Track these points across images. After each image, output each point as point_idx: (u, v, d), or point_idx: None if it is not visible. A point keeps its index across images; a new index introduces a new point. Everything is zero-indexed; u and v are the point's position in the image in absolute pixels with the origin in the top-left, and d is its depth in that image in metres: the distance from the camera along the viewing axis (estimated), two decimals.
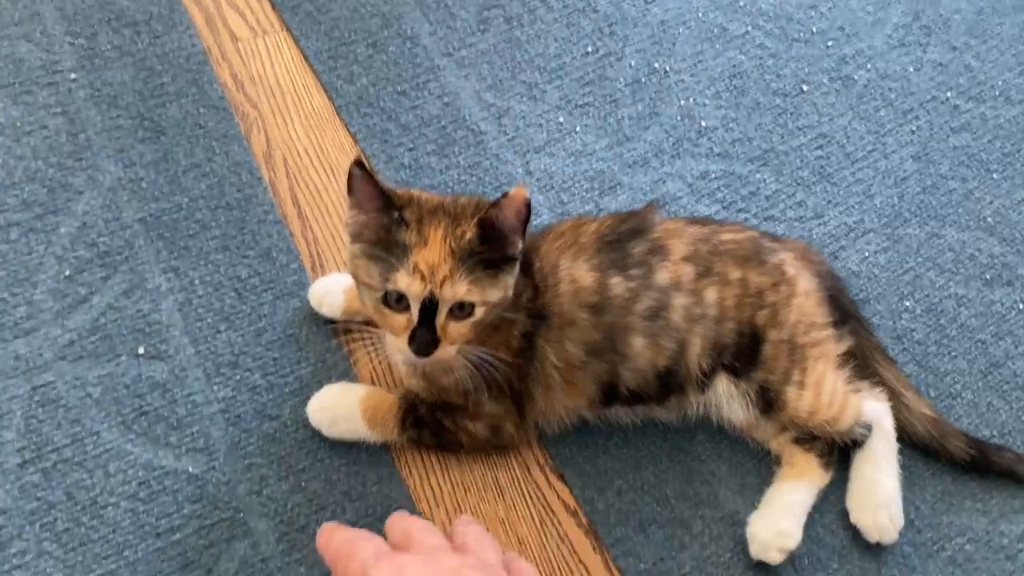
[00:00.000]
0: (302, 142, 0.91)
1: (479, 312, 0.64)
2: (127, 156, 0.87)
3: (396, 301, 0.64)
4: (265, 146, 0.90)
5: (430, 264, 0.62)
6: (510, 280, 0.66)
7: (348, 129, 0.92)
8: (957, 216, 0.94)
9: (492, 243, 0.63)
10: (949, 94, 1.03)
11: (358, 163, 0.61)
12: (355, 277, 0.67)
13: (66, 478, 0.71)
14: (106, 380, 0.75)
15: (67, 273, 0.80)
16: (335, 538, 0.57)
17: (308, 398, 0.76)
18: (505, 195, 0.61)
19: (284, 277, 0.82)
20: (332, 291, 0.79)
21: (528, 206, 0.62)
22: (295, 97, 0.94)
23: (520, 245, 0.64)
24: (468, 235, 0.63)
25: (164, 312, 0.79)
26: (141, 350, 0.77)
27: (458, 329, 0.65)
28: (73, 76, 0.91)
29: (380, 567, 0.53)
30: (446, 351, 0.65)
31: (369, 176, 0.62)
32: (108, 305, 0.79)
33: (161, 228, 0.83)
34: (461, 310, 0.64)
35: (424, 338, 0.64)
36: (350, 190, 0.63)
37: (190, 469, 0.72)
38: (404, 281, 0.62)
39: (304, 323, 0.80)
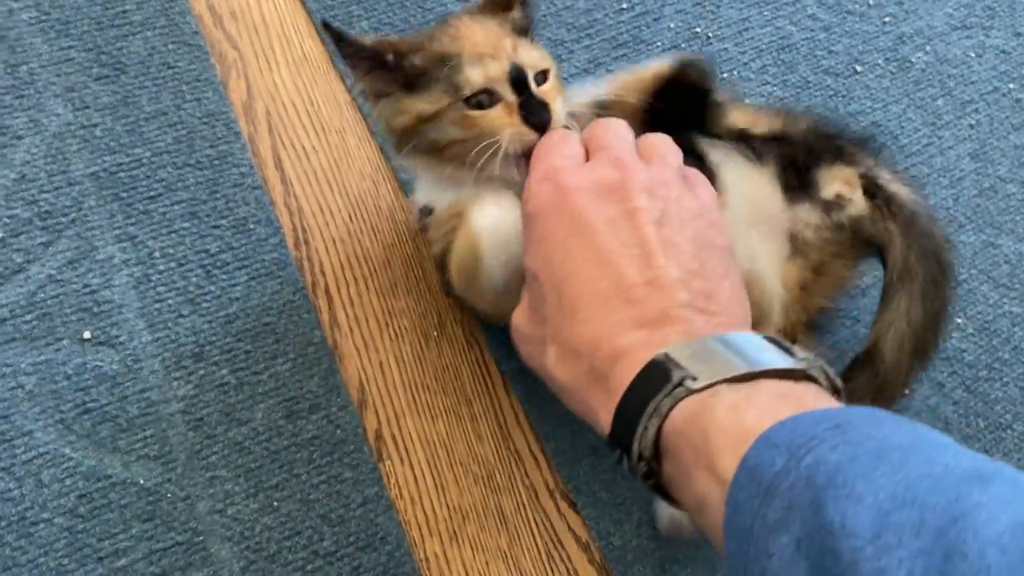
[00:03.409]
0: (289, 93, 0.77)
1: (552, 79, 0.60)
2: (79, 97, 0.73)
3: (477, 105, 0.58)
4: (245, 95, 0.76)
5: (487, 47, 0.58)
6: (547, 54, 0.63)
7: (343, 81, 0.79)
8: (1015, 224, 0.85)
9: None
10: (1012, 86, 0.93)
11: (325, 26, 0.60)
12: (406, 127, 0.60)
13: None
14: (43, 368, 0.63)
15: (0, 235, 0.67)
16: (539, 146, 0.55)
17: (283, 400, 0.65)
18: None
19: (261, 253, 0.70)
20: None
21: None
22: (283, 39, 0.80)
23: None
24: (513, 13, 0.62)
25: (116, 289, 0.67)
26: (87, 334, 0.65)
27: (551, 89, 0.59)
28: None
29: (540, 192, 0.51)
30: (558, 110, 0.58)
31: (352, 41, 0.60)
32: (49, 277, 0.66)
33: (117, 186, 0.70)
34: (540, 81, 0.59)
35: (535, 103, 0.57)
36: (342, 56, 0.61)
37: (141, 481, 0.61)
38: (476, 72, 0.57)
39: (283, 310, 0.68)
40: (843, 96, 0.88)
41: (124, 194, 0.70)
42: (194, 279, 0.68)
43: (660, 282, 0.46)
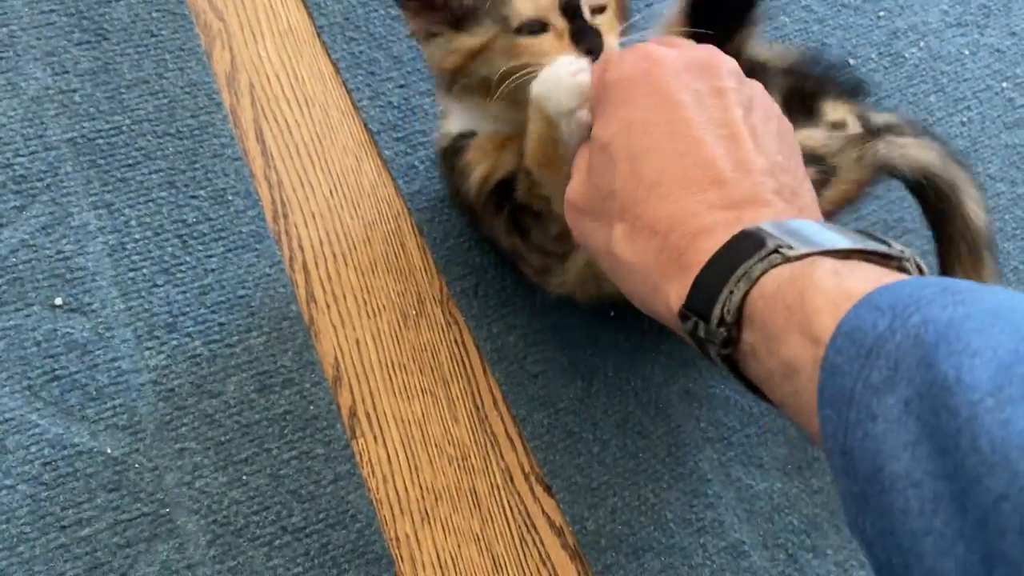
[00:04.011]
0: (273, 65, 0.76)
1: (609, 14, 0.59)
2: (58, 61, 0.72)
3: (529, 31, 0.56)
4: (229, 66, 0.75)
5: None
6: None
7: (329, 55, 0.78)
8: (1003, 223, 0.85)
9: None
10: (1005, 84, 0.93)
11: None
12: (457, 65, 0.60)
13: None
14: (12, 334, 0.62)
15: None
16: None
17: (256, 374, 0.64)
18: None
19: (239, 226, 0.69)
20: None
21: None
22: (269, 10, 0.79)
23: None
24: None
25: (90, 256, 0.65)
26: (58, 300, 0.64)
27: (606, 21, 0.58)
28: None
29: (623, 62, 0.47)
30: (611, 41, 0.57)
31: None
32: (21, 242, 0.65)
33: (94, 153, 0.69)
34: (595, 11, 0.58)
35: (588, 29, 0.56)
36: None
37: (108, 450, 0.60)
38: (525, 3, 0.56)
39: (259, 284, 0.67)
40: None
41: (102, 161, 0.69)
42: (170, 249, 0.67)
43: (748, 167, 0.44)
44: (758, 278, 0.38)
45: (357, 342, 0.68)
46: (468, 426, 0.67)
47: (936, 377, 0.29)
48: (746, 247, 0.39)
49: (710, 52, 0.48)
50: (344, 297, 0.69)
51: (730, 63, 0.48)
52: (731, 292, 0.39)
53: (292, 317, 0.67)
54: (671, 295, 0.42)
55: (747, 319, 0.39)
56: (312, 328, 0.67)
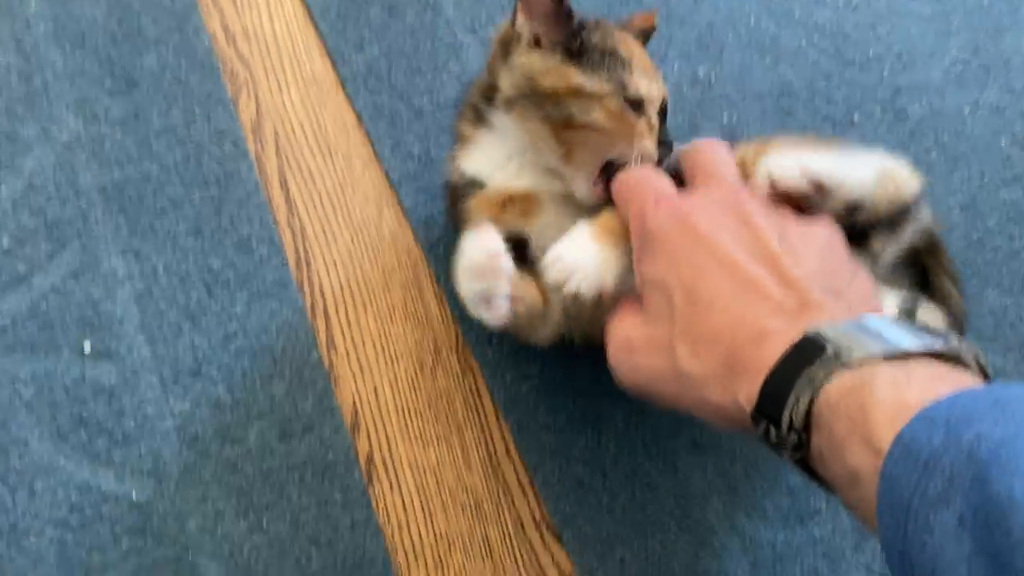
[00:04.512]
0: (298, 114, 0.78)
1: None
2: (90, 109, 0.74)
3: (634, 107, 0.61)
4: (255, 114, 0.77)
5: (651, 68, 0.64)
6: None
7: (352, 105, 0.80)
8: (1001, 277, 0.87)
9: None
10: (1003, 141, 0.95)
11: None
12: (551, 88, 0.62)
13: None
14: (42, 378, 0.64)
15: (5, 244, 0.67)
16: (631, 177, 0.57)
17: (277, 420, 0.66)
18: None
19: (263, 273, 0.71)
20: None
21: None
22: (294, 60, 0.81)
23: None
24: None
25: (119, 302, 0.67)
26: (87, 346, 0.66)
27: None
28: (33, 5, 0.77)
29: (658, 214, 0.52)
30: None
31: None
32: (52, 287, 0.67)
33: (123, 200, 0.71)
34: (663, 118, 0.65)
35: (664, 134, 0.63)
36: None
37: (133, 495, 0.62)
38: (645, 83, 0.62)
39: (281, 330, 0.69)
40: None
41: (130, 208, 0.71)
42: (195, 296, 0.69)
43: (790, 280, 0.47)
44: (821, 384, 0.41)
45: (375, 389, 0.69)
46: (481, 474, 0.68)
47: (990, 495, 0.32)
48: (808, 353, 0.42)
49: (727, 192, 0.53)
50: (363, 344, 0.71)
51: (751, 199, 0.52)
52: (797, 399, 0.42)
53: (313, 364, 0.69)
54: (741, 397, 0.45)
55: (815, 425, 0.42)
56: (332, 374, 0.69)
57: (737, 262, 0.49)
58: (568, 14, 0.62)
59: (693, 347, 0.48)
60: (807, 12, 0.97)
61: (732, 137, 0.86)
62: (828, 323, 0.44)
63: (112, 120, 0.74)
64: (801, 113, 0.91)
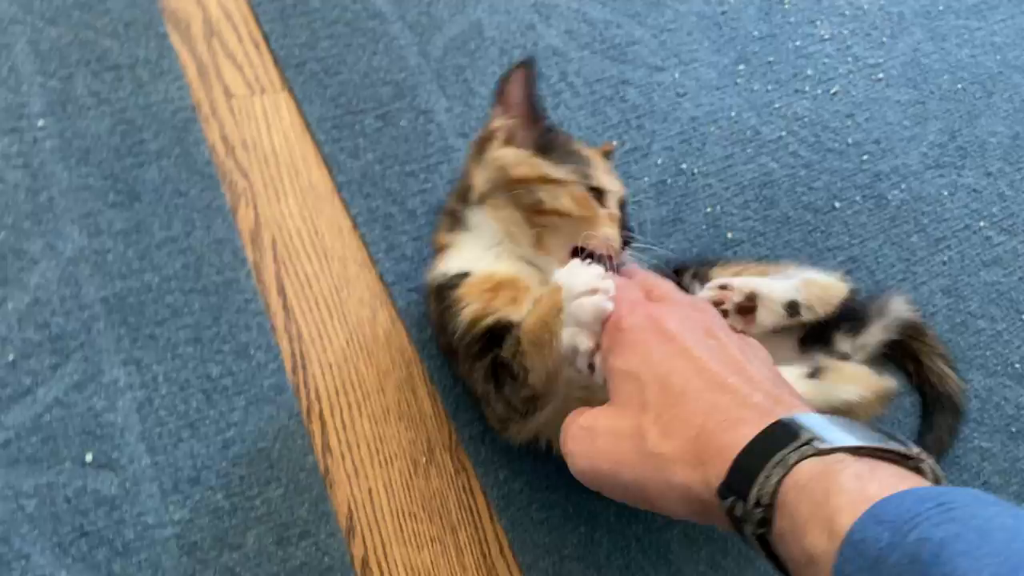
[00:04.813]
0: (295, 221, 0.81)
1: None
2: (94, 223, 0.77)
3: (596, 197, 0.69)
4: (253, 223, 0.80)
5: (609, 172, 0.73)
6: None
7: (347, 210, 0.83)
8: (984, 359, 0.89)
9: None
10: (982, 223, 0.98)
11: (525, 64, 0.71)
12: (523, 176, 0.69)
13: None
14: (44, 491, 0.65)
15: (10, 358, 0.70)
16: None
17: (274, 525, 0.67)
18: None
19: (260, 379, 0.73)
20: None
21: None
22: (291, 169, 0.84)
23: None
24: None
25: (120, 412, 0.69)
26: (89, 457, 0.67)
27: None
28: (41, 123, 0.81)
29: (633, 315, 0.57)
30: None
31: (532, 82, 0.71)
32: (56, 400, 0.69)
33: (125, 311, 0.73)
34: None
35: (629, 225, 0.71)
36: (502, 93, 0.71)
37: None
38: (607, 180, 0.71)
39: (278, 435, 0.71)
40: (822, 231, 0.92)
41: (132, 318, 0.73)
42: (195, 403, 0.71)
43: (757, 381, 0.52)
44: (792, 466, 0.44)
45: (370, 491, 0.71)
46: (475, 574, 0.69)
47: None
48: (782, 436, 0.45)
49: (690, 305, 0.60)
50: (358, 446, 0.72)
51: (712, 313, 0.60)
52: (767, 476, 0.44)
53: (309, 468, 0.70)
54: (711, 473, 0.47)
55: (780, 505, 0.44)
56: (327, 478, 0.70)
57: (706, 362, 0.53)
58: (540, 115, 0.72)
59: (665, 429, 0.51)
60: (786, 103, 1.01)
61: (716, 227, 0.89)
62: (804, 413, 0.47)
63: (115, 233, 0.76)
64: (783, 202, 0.93)
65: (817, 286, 0.75)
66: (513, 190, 0.69)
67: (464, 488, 0.72)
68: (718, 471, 0.47)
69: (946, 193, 0.99)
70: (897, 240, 0.94)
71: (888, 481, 0.41)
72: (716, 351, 0.54)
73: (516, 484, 0.73)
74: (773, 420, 0.46)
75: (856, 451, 0.43)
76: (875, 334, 0.78)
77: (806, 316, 0.72)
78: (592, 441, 0.55)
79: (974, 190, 1.00)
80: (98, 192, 0.78)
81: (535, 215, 0.68)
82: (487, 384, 0.67)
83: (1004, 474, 0.82)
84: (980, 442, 0.83)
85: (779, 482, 0.44)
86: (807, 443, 0.44)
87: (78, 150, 0.80)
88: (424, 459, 0.73)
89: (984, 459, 0.82)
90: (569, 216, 0.68)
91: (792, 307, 0.73)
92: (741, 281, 0.71)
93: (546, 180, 0.69)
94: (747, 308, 0.67)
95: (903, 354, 0.84)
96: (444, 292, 0.69)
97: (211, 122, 0.84)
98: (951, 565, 0.34)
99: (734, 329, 0.60)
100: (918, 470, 0.44)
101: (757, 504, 0.44)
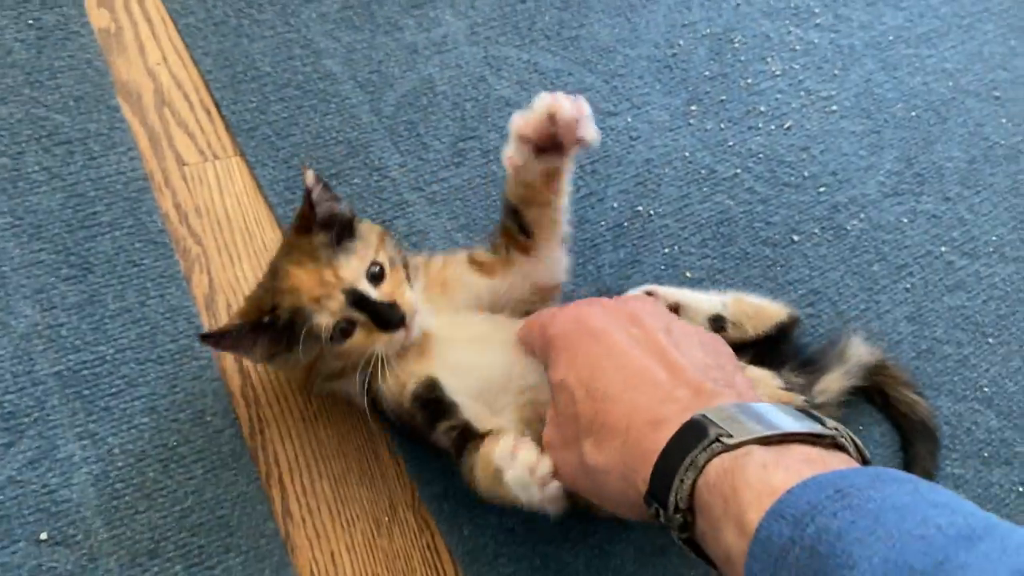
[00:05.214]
0: (250, 285, 0.81)
1: (386, 266, 0.67)
2: (47, 298, 0.77)
3: (341, 334, 0.65)
4: (207, 289, 0.80)
5: (318, 288, 0.63)
6: (372, 235, 0.69)
7: None
8: (952, 385, 0.88)
9: (327, 225, 0.66)
10: (943, 249, 0.98)
11: (206, 336, 0.65)
12: (304, 374, 0.70)
13: None
14: None
15: None
16: (530, 320, 0.64)
17: None
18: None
19: (217, 446, 0.72)
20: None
21: (310, 183, 0.66)
22: (244, 232, 0.84)
23: (339, 204, 0.69)
24: (314, 239, 0.65)
25: (75, 487, 0.69)
26: (44, 535, 0.66)
27: (390, 283, 0.67)
28: None
29: (556, 321, 0.58)
30: (407, 300, 0.66)
31: (228, 331, 0.65)
32: (9, 478, 0.68)
33: (79, 384, 0.73)
34: (377, 276, 0.66)
35: (382, 311, 0.64)
36: (227, 349, 0.68)
37: None
38: (322, 317, 0.63)
39: (237, 502, 0.70)
40: (782, 265, 0.93)
41: (86, 391, 0.73)
42: (151, 474, 0.70)
43: (677, 370, 0.52)
44: (703, 466, 0.44)
45: (332, 554, 0.70)
46: None
47: None
48: (692, 437, 0.45)
49: (625, 300, 0.60)
50: (319, 509, 0.72)
51: (644, 303, 0.59)
52: (681, 480, 0.44)
53: (269, 534, 0.69)
54: (639, 482, 0.48)
55: (697, 507, 0.44)
56: (288, 543, 0.70)
57: (628, 353, 0.53)
58: (267, 319, 0.65)
59: (596, 440, 0.51)
60: (740, 141, 1.02)
61: (675, 267, 0.90)
62: (715, 407, 0.47)
63: (68, 306, 0.76)
64: (741, 238, 0.94)
65: (748, 304, 0.77)
66: (315, 380, 0.70)
67: (428, 546, 0.72)
68: (644, 478, 0.47)
69: (905, 220, 1.00)
70: (858, 270, 0.95)
71: (794, 468, 0.41)
72: (640, 338, 0.55)
73: (481, 539, 0.72)
74: (688, 417, 0.47)
75: (765, 440, 0.44)
76: (837, 380, 0.78)
77: (732, 333, 0.74)
78: (554, 455, 0.57)
79: (933, 216, 1.01)
80: (51, 267, 0.78)
81: (348, 372, 0.68)
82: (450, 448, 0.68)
83: (979, 500, 0.80)
84: (952, 469, 0.83)
85: (693, 484, 0.44)
86: (716, 440, 0.44)
87: (30, 226, 0.80)
88: (387, 519, 0.72)
89: (958, 486, 0.82)
90: (359, 358, 0.66)
91: (717, 321, 0.75)
92: (667, 290, 0.72)
93: (310, 365, 0.68)
94: None
95: (869, 388, 0.83)
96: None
97: (164, 191, 0.85)
98: (846, 555, 0.35)
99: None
100: (837, 446, 0.45)
101: (676, 509, 0.44)
